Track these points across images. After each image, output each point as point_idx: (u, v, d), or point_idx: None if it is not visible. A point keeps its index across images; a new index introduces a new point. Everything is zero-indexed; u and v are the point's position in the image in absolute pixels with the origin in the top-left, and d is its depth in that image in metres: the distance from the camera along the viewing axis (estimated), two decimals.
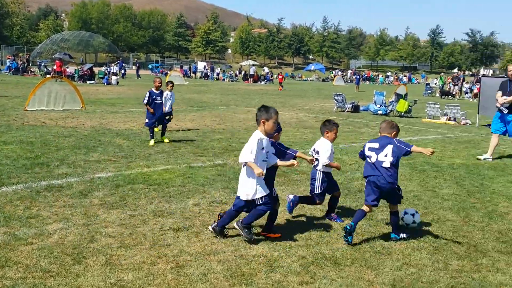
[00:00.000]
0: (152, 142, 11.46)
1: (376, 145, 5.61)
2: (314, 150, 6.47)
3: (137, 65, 59.22)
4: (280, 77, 48.37)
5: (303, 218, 6.33)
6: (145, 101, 11.90)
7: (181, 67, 69.83)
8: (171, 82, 13.38)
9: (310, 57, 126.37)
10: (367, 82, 75.87)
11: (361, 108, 22.63)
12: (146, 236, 5.45)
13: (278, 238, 5.50)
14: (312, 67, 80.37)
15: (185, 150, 10.84)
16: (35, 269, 4.50)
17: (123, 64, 58.44)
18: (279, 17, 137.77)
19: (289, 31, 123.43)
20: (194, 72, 67.03)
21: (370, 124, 17.61)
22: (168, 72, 57.85)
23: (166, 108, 12.67)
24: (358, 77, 57.37)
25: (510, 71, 11.12)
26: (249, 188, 5.29)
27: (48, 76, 43.53)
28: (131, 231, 5.61)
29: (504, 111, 10.97)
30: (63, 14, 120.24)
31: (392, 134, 5.75)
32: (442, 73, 62.95)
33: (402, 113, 20.74)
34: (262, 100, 28.35)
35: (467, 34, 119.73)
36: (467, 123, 19.01)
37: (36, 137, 11.59)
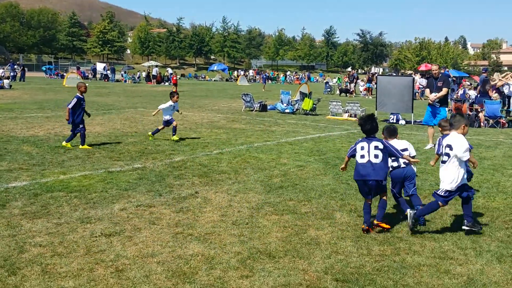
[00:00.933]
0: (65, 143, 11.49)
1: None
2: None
3: (22, 67, 54.01)
4: (174, 78, 43.19)
5: (234, 217, 6.53)
6: (71, 105, 11.32)
7: (78, 68, 66.62)
8: (177, 93, 13.60)
9: (212, 57, 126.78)
10: (270, 81, 77.68)
11: (268, 107, 23.28)
12: (78, 243, 5.36)
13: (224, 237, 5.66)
14: (215, 67, 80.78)
15: (100, 155, 10.58)
16: None
17: (15, 66, 54.79)
18: (177, 16, 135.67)
19: (189, 31, 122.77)
20: (94, 74, 64.53)
21: (280, 122, 18.22)
22: (65, 74, 55.24)
23: (168, 117, 13.00)
24: (264, 76, 58.24)
25: (433, 70, 13.04)
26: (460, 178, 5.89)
27: None
28: (61, 239, 5.48)
29: (436, 105, 12.61)
30: None
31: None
32: (340, 72, 66.21)
33: (308, 111, 21.65)
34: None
35: (358, 34, 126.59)
36: None
37: None
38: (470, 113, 19.00)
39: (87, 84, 12.77)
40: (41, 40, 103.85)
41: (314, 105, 22.07)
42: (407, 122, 19.10)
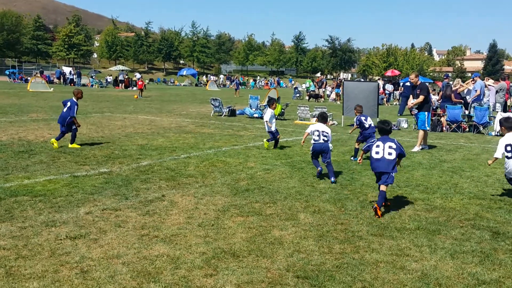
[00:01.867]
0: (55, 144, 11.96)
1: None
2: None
3: None
4: (140, 83, 41.27)
5: (200, 219, 6.62)
6: (75, 114, 12.19)
7: (42, 72, 65.17)
8: (274, 100, 13.98)
9: (181, 62, 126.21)
10: (240, 86, 77.93)
11: (237, 112, 23.43)
12: (43, 246, 5.37)
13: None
14: (184, 72, 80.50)
15: (65, 160, 10.51)
16: None
17: None
18: (146, 20, 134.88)
19: (158, 36, 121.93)
20: (58, 78, 63.48)
21: (248, 127, 18.39)
22: (29, 78, 54.19)
23: (273, 127, 13.04)
24: (238, 82, 57.71)
25: (411, 79, 14.30)
26: None
27: None
28: (25, 242, 5.48)
29: (414, 111, 14.01)
30: None
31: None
32: (310, 77, 66.93)
33: (276, 116, 21.86)
34: (138, 106, 27.98)
35: (327, 40, 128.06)
36: (333, 124, 20.66)
37: None
38: (433, 118, 19.55)
39: (52, 89, 12.64)
40: (4, 44, 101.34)
41: (282, 110, 22.32)
42: None
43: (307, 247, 5.61)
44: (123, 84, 55.54)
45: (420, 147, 13.54)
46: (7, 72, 67.93)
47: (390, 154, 7.29)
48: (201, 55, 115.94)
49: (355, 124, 11.95)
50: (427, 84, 14.57)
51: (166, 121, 19.55)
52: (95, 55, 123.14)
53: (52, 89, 43.21)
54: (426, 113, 13.63)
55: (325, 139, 9.38)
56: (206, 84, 70.88)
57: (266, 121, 13.10)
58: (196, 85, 76.83)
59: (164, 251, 5.35)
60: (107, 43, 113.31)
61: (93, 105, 27.79)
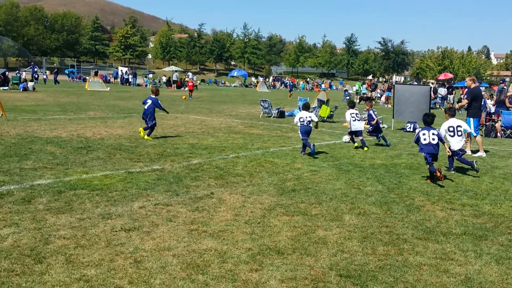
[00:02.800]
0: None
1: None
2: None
3: (56, 69, 56.25)
4: (190, 84, 41.11)
5: (247, 216, 6.83)
6: (161, 106, 14.58)
7: (97, 73, 67.01)
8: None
9: (232, 63, 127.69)
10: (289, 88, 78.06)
11: (286, 113, 23.59)
12: (100, 237, 5.73)
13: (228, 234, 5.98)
14: (235, 73, 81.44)
15: (121, 157, 11.00)
16: None
17: (36, 69, 56.13)
18: (199, 22, 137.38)
19: (210, 37, 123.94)
20: (115, 78, 65.65)
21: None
22: (87, 78, 56.36)
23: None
24: (291, 84, 57.06)
25: (466, 83, 14.50)
26: None
27: None
28: (84, 233, 5.85)
29: (459, 113, 14.39)
30: None
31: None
32: (361, 80, 66.21)
33: (325, 118, 21.89)
34: (189, 106, 28.64)
35: (379, 42, 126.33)
36: (383, 127, 20.44)
37: None
38: (487, 123, 19.02)
39: (108, 89, 13.27)
40: (64, 44, 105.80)
41: (331, 112, 22.30)
42: None
43: (351, 247, 5.71)
44: (176, 84, 56.79)
45: (483, 153, 13.28)
46: (66, 72, 70.91)
47: (433, 139, 9.59)
48: (252, 56, 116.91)
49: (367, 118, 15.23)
50: (481, 89, 14.27)
51: (216, 121, 19.96)
52: (149, 56, 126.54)
53: (108, 88, 44.79)
54: (471, 119, 13.51)
55: (309, 123, 12.49)
56: (256, 86, 71.37)
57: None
58: (246, 86, 77.50)
59: (212, 245, 5.59)
60: (161, 44, 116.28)
61: None
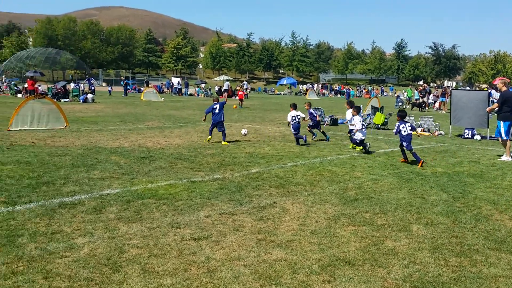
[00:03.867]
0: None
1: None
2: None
3: (124, 82, 56.77)
4: (240, 93, 40.65)
5: (312, 226, 6.83)
6: (217, 110, 15.61)
7: (147, 83, 68.16)
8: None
9: (281, 71, 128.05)
10: (339, 95, 77.45)
11: (339, 121, 23.41)
12: (171, 246, 5.87)
13: (293, 243, 6.00)
14: (284, 81, 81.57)
15: (182, 166, 11.24)
16: (78, 278, 4.87)
17: (92, 81, 58.18)
18: (248, 32, 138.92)
19: (259, 46, 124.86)
20: (168, 88, 67.16)
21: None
22: (142, 89, 57.92)
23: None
24: (348, 91, 54.12)
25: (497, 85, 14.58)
26: None
27: (19, 95, 43.23)
28: (155, 242, 6.02)
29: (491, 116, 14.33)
30: (27, 31, 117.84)
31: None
32: (410, 86, 64.83)
33: (379, 126, 21.58)
34: (242, 115, 28.92)
35: (430, 47, 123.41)
36: (440, 134, 19.93)
37: (31, 157, 11.80)
38: None
39: (162, 99, 13.70)
40: (119, 56, 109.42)
41: (386, 119, 21.95)
42: (482, 138, 18.59)
43: (422, 258, 5.60)
44: (227, 93, 57.43)
45: (510, 158, 13.15)
46: (122, 83, 73.13)
47: (410, 130, 12.23)
48: (300, 64, 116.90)
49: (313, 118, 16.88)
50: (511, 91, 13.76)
51: (270, 130, 20.05)
52: (200, 66, 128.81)
53: (162, 98, 45.88)
54: (501, 122, 13.35)
55: (299, 120, 15.43)
56: (305, 93, 71.19)
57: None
58: (296, 94, 77.44)
59: (282, 255, 5.62)
60: (211, 54, 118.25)
61: (200, 114, 29.11)
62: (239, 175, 10.32)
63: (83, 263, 5.26)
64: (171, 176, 10.06)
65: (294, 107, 15.75)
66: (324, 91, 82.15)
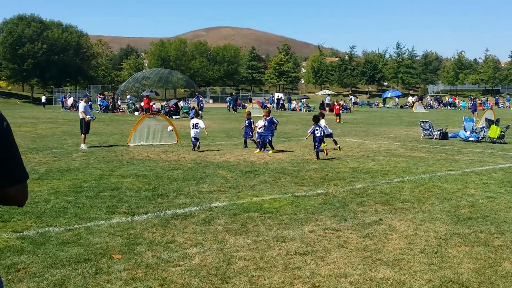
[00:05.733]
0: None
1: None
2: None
3: (237, 97, 58.39)
4: (337, 107, 39.14)
5: (421, 245, 6.58)
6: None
7: (251, 100, 69.25)
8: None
9: (385, 84, 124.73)
10: (448, 107, 73.78)
11: (449, 135, 22.28)
12: (277, 260, 5.97)
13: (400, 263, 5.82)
14: (389, 94, 79.37)
15: (285, 180, 11.37)
16: (190, 287, 5.12)
17: (201, 98, 60.76)
18: (350, 45, 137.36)
19: (361, 59, 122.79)
20: (271, 103, 68.31)
21: (463, 151, 17.36)
22: (246, 104, 59.47)
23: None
24: (474, 102, 49.57)
25: None
26: None
27: (136, 113, 46.41)
28: (261, 255, 6.15)
29: None
30: (143, 53, 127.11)
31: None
32: None
33: (495, 139, 20.21)
34: (344, 129, 28.61)
35: None
36: None
37: (148, 170, 12.61)
38: None
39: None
40: (225, 74, 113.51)
41: (502, 133, 20.51)
42: None
43: None
44: (329, 108, 57.14)
45: None
46: (227, 99, 75.79)
47: (322, 132, 14.95)
48: (406, 76, 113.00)
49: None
50: None
51: (375, 144, 19.61)
52: (302, 81, 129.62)
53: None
54: None
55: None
56: (412, 106, 68.63)
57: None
58: (402, 107, 74.95)
59: (389, 274, 5.47)
60: (313, 69, 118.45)
61: (303, 128, 29.22)
62: (343, 190, 10.22)
63: (194, 273, 5.52)
64: (275, 190, 10.22)
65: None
66: (433, 102, 78.46)
